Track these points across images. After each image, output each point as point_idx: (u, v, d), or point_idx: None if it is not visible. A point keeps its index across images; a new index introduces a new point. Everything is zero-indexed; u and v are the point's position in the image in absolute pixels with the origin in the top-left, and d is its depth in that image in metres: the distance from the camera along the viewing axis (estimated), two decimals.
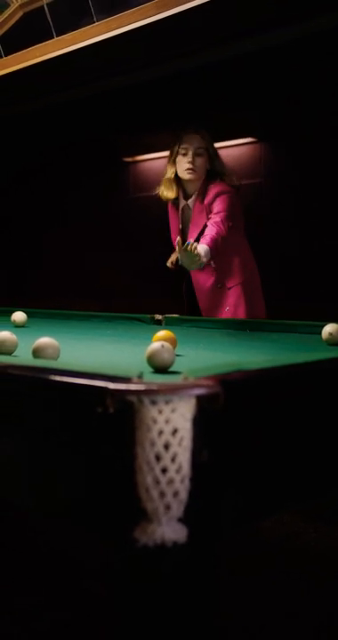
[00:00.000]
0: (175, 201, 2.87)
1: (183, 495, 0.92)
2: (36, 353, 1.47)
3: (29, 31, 3.62)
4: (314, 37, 3.17)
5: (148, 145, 4.08)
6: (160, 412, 0.93)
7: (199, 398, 0.94)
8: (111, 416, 0.95)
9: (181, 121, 3.88)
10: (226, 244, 2.63)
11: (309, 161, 3.43)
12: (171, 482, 0.92)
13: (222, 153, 3.81)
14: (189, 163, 2.68)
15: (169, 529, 0.92)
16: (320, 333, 2.03)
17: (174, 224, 2.90)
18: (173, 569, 0.96)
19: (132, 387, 0.94)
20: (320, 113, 3.36)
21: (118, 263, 2.73)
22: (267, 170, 3.60)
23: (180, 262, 2.62)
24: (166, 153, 4.02)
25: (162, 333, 1.83)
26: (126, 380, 0.97)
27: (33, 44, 3.61)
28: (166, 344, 1.41)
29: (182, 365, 1.46)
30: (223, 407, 0.96)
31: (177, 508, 0.92)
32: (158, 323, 2.56)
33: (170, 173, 2.78)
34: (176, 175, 2.77)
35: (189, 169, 2.69)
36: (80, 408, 1.03)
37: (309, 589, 2.02)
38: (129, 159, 4.19)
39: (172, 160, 2.78)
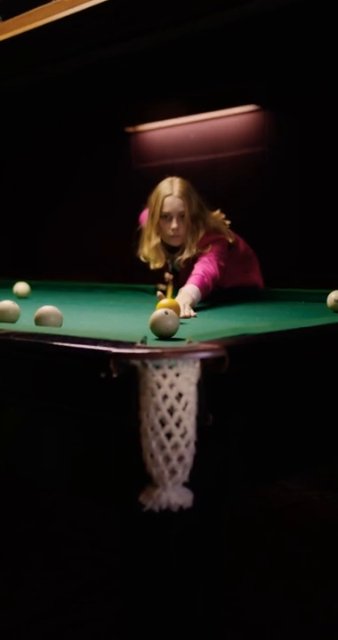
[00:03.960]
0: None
1: (188, 459, 0.92)
2: (39, 321, 1.46)
3: None
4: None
5: (150, 114, 4.02)
6: (164, 376, 0.91)
7: (204, 362, 0.93)
8: (115, 381, 0.94)
9: (184, 88, 3.84)
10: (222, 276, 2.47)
11: (315, 129, 3.38)
12: (176, 446, 0.91)
13: (226, 122, 3.77)
14: (173, 230, 2.46)
15: (175, 493, 0.92)
16: (326, 302, 2.01)
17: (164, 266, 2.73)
18: (178, 534, 0.95)
19: (136, 351, 0.93)
20: (327, 80, 3.29)
21: (122, 236, 2.69)
22: (271, 138, 3.55)
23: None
24: (170, 122, 4.01)
25: (166, 301, 1.82)
26: (130, 344, 0.96)
27: (28, 10, 3.50)
28: (170, 311, 1.40)
29: (186, 333, 1.45)
30: (228, 371, 0.95)
31: (182, 473, 0.92)
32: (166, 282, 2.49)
33: (155, 241, 2.53)
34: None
35: (174, 236, 2.48)
36: (83, 374, 1.02)
37: (316, 555, 2.03)
38: (131, 129, 4.14)
39: (154, 225, 2.51)
